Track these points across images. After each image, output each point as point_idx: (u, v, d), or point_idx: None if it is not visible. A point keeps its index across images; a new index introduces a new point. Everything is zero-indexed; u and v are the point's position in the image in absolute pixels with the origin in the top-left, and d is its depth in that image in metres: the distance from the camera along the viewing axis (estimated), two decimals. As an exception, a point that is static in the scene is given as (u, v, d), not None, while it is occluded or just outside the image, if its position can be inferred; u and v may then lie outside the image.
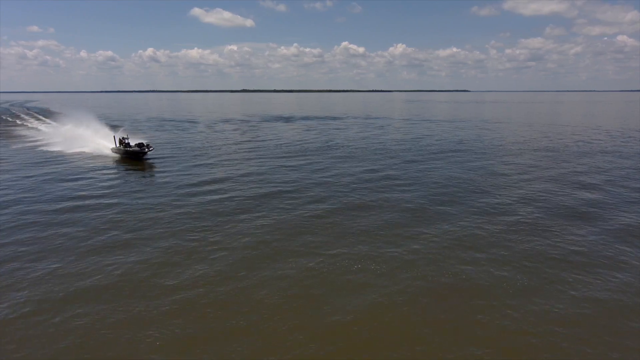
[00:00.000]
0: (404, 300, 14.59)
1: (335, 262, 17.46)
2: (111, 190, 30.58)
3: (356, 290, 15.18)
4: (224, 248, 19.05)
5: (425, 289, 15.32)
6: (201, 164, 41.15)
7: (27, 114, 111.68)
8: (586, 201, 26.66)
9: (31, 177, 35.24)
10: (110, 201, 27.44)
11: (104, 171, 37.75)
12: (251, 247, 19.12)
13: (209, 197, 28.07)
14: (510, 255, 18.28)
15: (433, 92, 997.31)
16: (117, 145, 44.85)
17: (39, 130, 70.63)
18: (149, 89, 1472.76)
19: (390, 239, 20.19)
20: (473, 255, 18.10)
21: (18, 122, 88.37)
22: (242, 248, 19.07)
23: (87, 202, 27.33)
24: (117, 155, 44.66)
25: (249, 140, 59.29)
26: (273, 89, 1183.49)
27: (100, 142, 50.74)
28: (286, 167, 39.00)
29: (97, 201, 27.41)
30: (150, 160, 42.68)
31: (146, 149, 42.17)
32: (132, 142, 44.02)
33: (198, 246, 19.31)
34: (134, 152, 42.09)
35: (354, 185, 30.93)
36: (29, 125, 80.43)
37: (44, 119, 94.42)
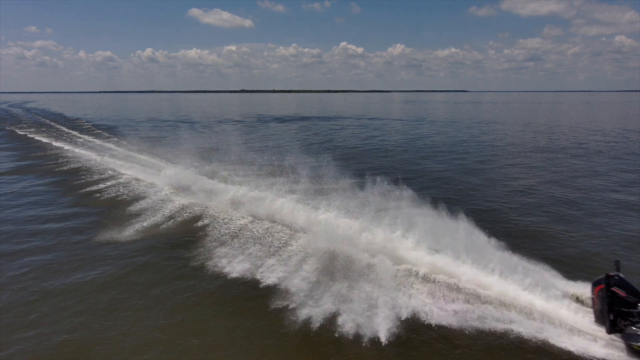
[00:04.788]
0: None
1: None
2: None
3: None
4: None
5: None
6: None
7: (48, 126, 73.87)
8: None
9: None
10: None
11: None
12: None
13: None
14: None
15: (432, 93, 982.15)
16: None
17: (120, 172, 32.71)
18: (147, 90, 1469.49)
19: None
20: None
21: (56, 144, 49.28)
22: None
23: None
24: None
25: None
26: (272, 89, 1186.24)
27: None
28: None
29: None
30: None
31: None
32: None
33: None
34: None
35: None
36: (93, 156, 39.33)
37: (97, 141, 51.84)
